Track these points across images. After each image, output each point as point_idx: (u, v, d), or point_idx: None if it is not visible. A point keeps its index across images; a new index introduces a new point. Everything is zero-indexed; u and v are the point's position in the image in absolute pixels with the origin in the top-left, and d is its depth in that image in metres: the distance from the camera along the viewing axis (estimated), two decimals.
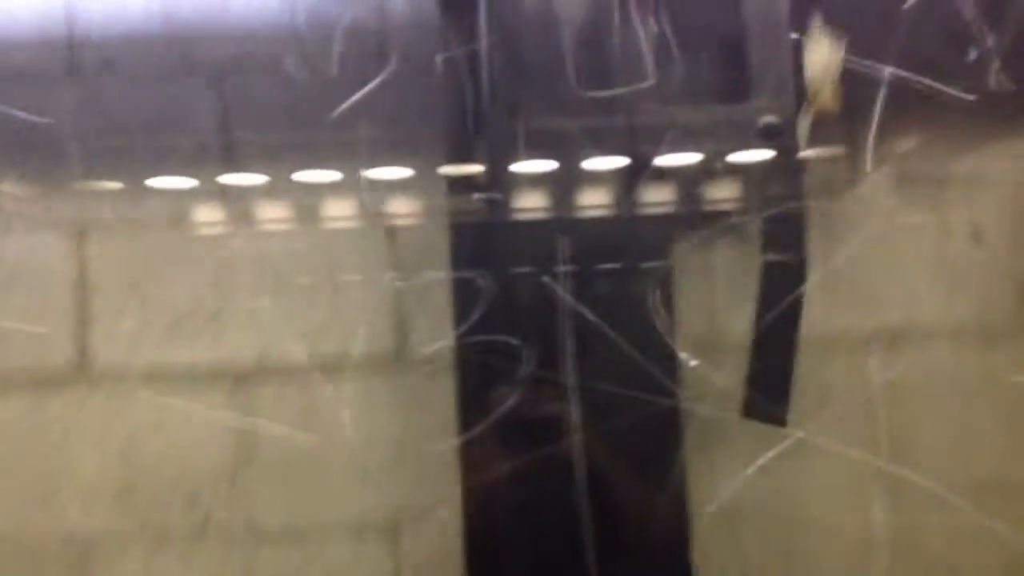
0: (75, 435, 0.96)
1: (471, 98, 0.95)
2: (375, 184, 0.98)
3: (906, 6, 0.92)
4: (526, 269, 0.94)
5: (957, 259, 1.00)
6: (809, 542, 0.98)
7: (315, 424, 0.95)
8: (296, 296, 0.98)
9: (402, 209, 0.99)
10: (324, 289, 0.98)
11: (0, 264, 0.97)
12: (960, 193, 1.01)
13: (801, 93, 0.94)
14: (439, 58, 0.94)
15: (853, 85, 0.92)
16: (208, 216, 0.99)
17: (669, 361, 0.93)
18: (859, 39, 0.92)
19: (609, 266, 0.94)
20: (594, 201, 0.96)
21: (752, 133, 0.95)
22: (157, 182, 0.97)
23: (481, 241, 0.96)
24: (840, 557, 0.98)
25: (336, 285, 0.98)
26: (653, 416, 0.92)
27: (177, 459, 0.96)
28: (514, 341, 0.92)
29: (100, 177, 0.98)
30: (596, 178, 0.96)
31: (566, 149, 0.95)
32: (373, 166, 0.97)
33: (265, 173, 0.98)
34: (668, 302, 0.94)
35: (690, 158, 0.97)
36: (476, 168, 0.97)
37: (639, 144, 0.95)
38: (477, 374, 0.94)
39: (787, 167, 0.96)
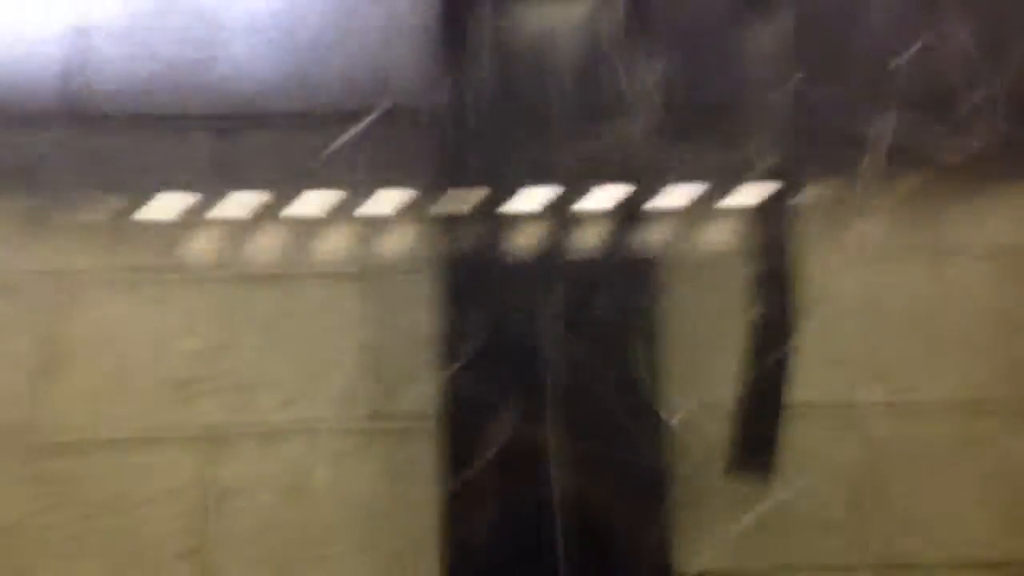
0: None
1: (461, 141, 0.92)
2: (360, 228, 0.96)
3: (894, 65, 0.89)
4: (512, 318, 0.91)
5: (945, 323, 0.98)
6: None
7: (290, 483, 0.93)
8: (275, 342, 0.96)
9: (387, 252, 0.97)
10: (302, 335, 0.96)
11: None
12: (949, 252, 0.98)
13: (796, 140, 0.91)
14: (430, 100, 0.92)
15: (841, 143, 0.89)
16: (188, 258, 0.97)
17: (653, 417, 0.91)
18: (847, 98, 0.90)
19: (595, 317, 0.92)
20: (582, 243, 0.93)
21: (747, 178, 0.92)
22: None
23: (467, 291, 0.93)
24: None
25: (315, 332, 0.96)
26: (636, 474, 0.90)
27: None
28: (497, 395, 0.90)
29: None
30: (586, 219, 0.93)
31: (558, 186, 0.93)
32: (360, 207, 0.95)
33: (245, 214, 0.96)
34: (654, 356, 0.92)
35: (682, 200, 0.95)
36: (465, 211, 0.94)
37: (632, 184, 0.93)
38: (460, 428, 0.92)
39: (779, 216, 0.93)
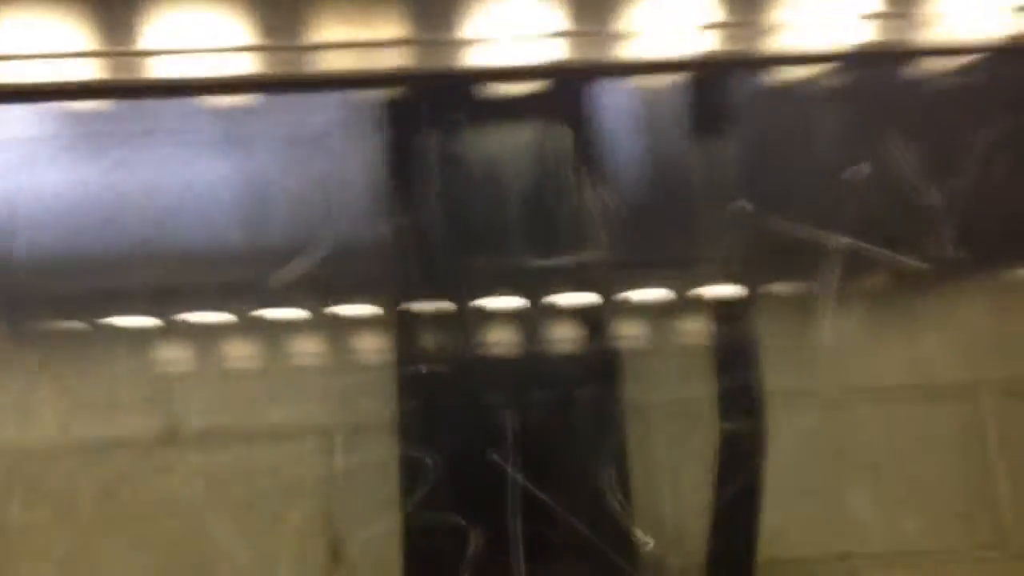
0: None
1: (417, 266, 0.93)
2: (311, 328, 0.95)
3: (845, 175, 0.92)
4: (472, 441, 0.90)
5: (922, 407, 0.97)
6: None
7: None
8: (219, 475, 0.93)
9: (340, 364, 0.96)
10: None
11: None
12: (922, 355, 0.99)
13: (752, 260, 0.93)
14: (385, 225, 0.92)
15: (805, 255, 0.91)
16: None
17: (625, 541, 0.89)
18: (810, 208, 0.92)
19: (560, 438, 0.91)
20: (545, 372, 0.93)
21: (702, 302, 0.93)
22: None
23: (426, 419, 0.92)
24: None
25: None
26: None
27: None
28: (461, 522, 0.87)
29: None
30: (545, 341, 0.93)
31: (513, 305, 0.93)
32: (312, 335, 0.95)
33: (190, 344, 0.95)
34: (622, 479, 0.90)
35: (643, 320, 0.95)
36: (422, 315, 0.94)
37: (588, 313, 0.93)
38: (423, 558, 0.89)
39: (741, 335, 0.93)
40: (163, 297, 0.96)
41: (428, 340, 0.95)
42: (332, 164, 0.96)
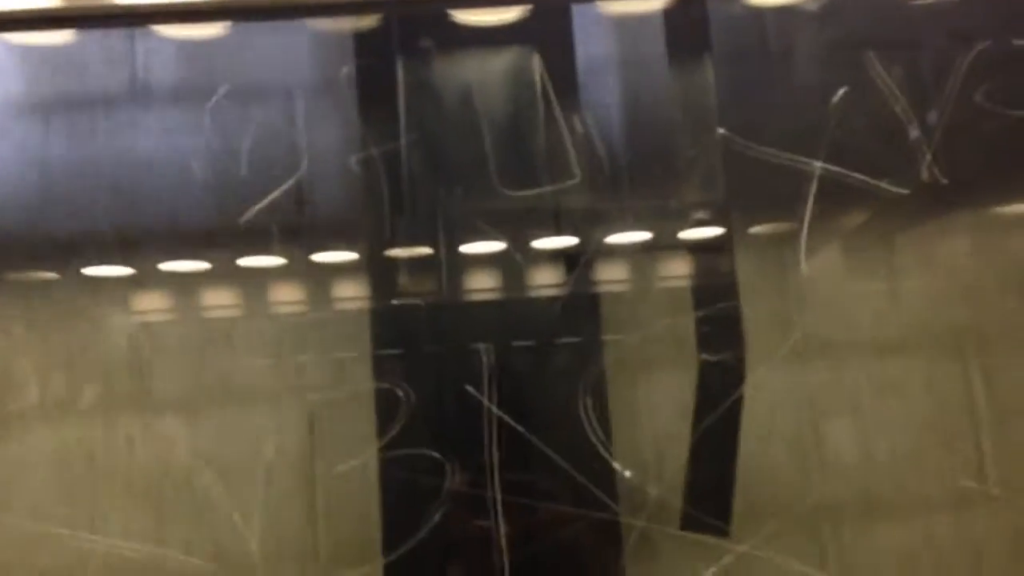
0: None
1: (390, 197, 0.91)
2: (287, 274, 0.93)
3: (835, 100, 0.90)
4: (448, 375, 0.89)
5: (898, 348, 0.97)
6: None
7: (221, 552, 0.88)
8: (202, 407, 0.92)
9: (317, 306, 0.94)
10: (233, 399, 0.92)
11: None
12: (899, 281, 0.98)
13: (731, 188, 0.91)
14: (355, 159, 0.91)
15: (785, 179, 0.89)
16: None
17: (604, 472, 0.88)
18: (789, 134, 0.90)
19: (537, 370, 0.90)
20: (519, 296, 0.92)
21: (683, 229, 0.92)
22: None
23: (401, 340, 0.91)
24: None
25: (246, 394, 0.92)
26: (587, 531, 0.86)
27: None
28: (437, 455, 0.86)
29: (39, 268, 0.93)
30: (521, 273, 0.92)
31: (489, 248, 0.91)
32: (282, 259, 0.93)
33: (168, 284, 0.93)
34: (601, 408, 0.89)
35: (623, 254, 0.94)
36: (398, 259, 0.92)
37: (567, 241, 0.92)
38: (400, 491, 0.88)
39: (721, 263, 0.92)
40: (133, 242, 0.94)
41: (403, 276, 0.93)
42: (301, 97, 0.94)
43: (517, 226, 0.91)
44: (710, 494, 0.88)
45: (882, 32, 0.92)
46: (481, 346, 0.88)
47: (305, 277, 0.94)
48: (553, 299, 0.93)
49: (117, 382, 0.92)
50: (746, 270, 0.93)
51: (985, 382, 0.96)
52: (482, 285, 0.93)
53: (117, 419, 0.92)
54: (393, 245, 0.93)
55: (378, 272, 0.94)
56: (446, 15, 0.92)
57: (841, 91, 0.90)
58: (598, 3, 0.95)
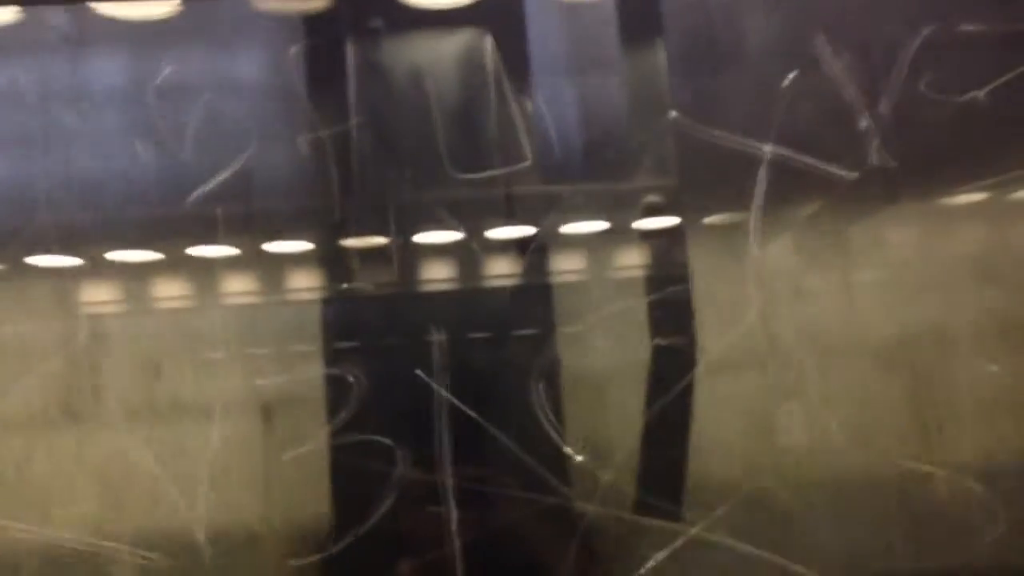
0: None
1: (339, 179, 0.90)
2: (238, 264, 0.92)
3: (785, 84, 0.90)
4: (399, 360, 0.88)
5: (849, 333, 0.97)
6: None
7: (168, 543, 0.86)
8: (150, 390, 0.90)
9: (267, 294, 0.93)
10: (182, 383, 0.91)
11: None
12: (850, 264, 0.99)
13: (683, 172, 0.91)
14: (303, 139, 0.89)
15: (736, 162, 0.89)
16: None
17: (555, 456, 0.87)
18: (740, 117, 0.90)
19: (489, 356, 0.89)
20: (472, 282, 0.91)
21: (635, 213, 0.92)
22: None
23: (353, 324, 0.90)
24: None
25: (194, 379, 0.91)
26: (539, 516, 0.86)
27: None
28: (388, 441, 0.85)
29: None
30: (473, 259, 0.91)
31: (440, 230, 0.90)
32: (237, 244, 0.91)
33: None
34: (553, 392, 0.89)
35: (574, 239, 0.93)
36: (347, 247, 0.91)
37: (519, 224, 0.91)
38: (349, 477, 0.87)
39: (673, 247, 0.92)
40: (78, 228, 0.92)
41: (354, 264, 0.92)
42: (250, 77, 0.93)
43: (470, 213, 0.91)
44: (662, 478, 0.88)
45: (832, 16, 0.93)
46: (433, 332, 0.87)
47: (256, 266, 0.93)
48: (506, 288, 0.92)
49: (64, 373, 0.90)
50: (698, 255, 0.93)
51: (931, 370, 0.97)
52: (435, 273, 0.92)
53: (63, 411, 0.90)
54: (343, 230, 0.91)
55: (329, 261, 0.93)
56: None
57: (791, 75, 0.90)
58: None
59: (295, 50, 0.90)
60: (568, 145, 0.92)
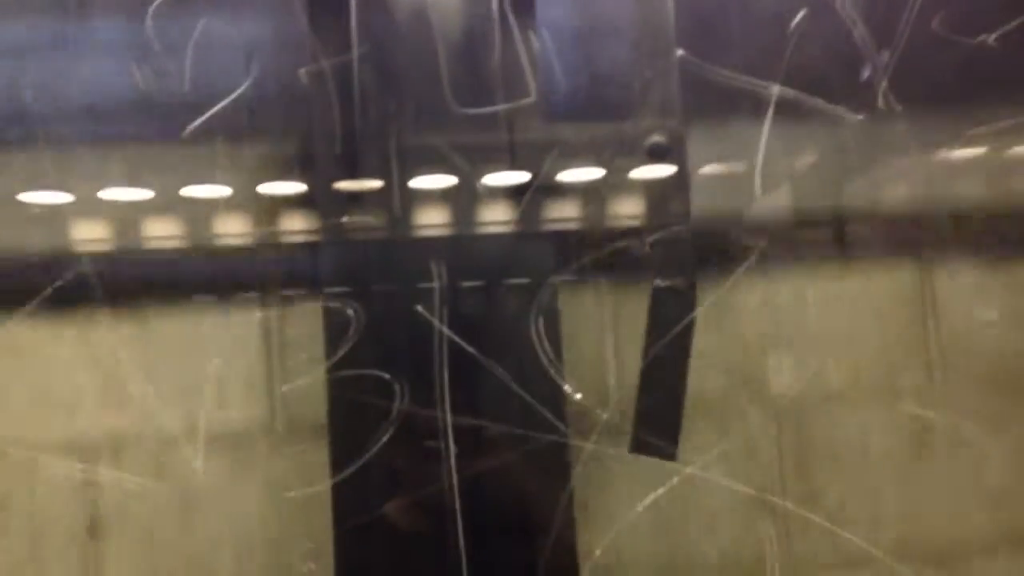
0: None
1: (340, 113, 0.88)
2: (236, 204, 0.91)
3: (793, 24, 0.89)
4: (400, 297, 0.87)
5: (851, 279, 0.97)
6: None
7: (169, 474, 0.86)
8: (147, 327, 0.89)
9: (266, 230, 0.92)
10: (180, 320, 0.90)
11: None
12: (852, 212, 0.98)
13: (688, 111, 0.90)
14: (304, 71, 0.87)
15: (741, 103, 0.88)
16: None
17: (554, 394, 0.88)
18: (747, 58, 0.89)
19: (489, 293, 0.89)
20: (473, 222, 0.90)
21: (639, 152, 0.91)
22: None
23: (352, 265, 0.89)
24: None
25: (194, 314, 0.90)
26: (536, 453, 0.86)
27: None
28: (386, 375, 0.85)
29: None
30: (475, 198, 0.90)
31: (443, 167, 0.89)
32: (234, 184, 0.90)
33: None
34: (552, 331, 0.89)
35: (574, 178, 0.92)
36: (347, 187, 0.90)
37: (521, 163, 0.90)
38: (348, 411, 0.87)
39: (675, 188, 0.92)
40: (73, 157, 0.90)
41: (350, 197, 0.91)
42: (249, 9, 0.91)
43: (472, 153, 0.89)
44: (660, 417, 0.89)
45: None
46: (433, 267, 0.86)
47: (251, 206, 0.92)
48: (507, 231, 0.91)
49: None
50: (701, 195, 0.92)
51: (932, 315, 0.97)
52: (436, 215, 0.91)
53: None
54: (343, 167, 0.90)
55: (327, 199, 0.91)
56: None
57: (800, 14, 0.89)
58: None
59: None
60: (573, 82, 0.91)
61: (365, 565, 0.86)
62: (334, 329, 0.87)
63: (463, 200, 0.91)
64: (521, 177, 0.91)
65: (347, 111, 0.88)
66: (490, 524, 0.85)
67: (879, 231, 0.99)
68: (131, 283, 0.89)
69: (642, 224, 0.93)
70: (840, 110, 0.89)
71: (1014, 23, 0.91)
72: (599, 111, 0.93)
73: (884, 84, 0.91)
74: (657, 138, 0.91)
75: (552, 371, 0.88)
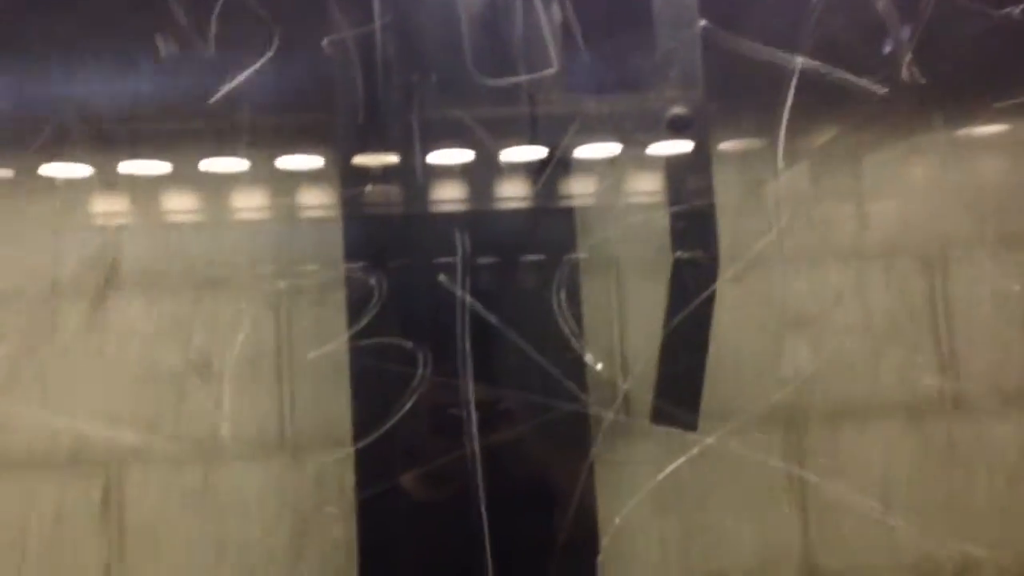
0: None
1: (363, 85, 0.88)
2: (258, 176, 0.91)
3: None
4: (423, 267, 0.88)
5: (870, 255, 0.97)
6: (719, 550, 0.94)
7: (193, 437, 0.87)
8: (174, 297, 0.90)
9: (288, 203, 0.92)
10: (205, 289, 0.91)
11: None
12: (874, 188, 0.98)
13: (710, 84, 0.90)
14: (327, 41, 0.88)
15: (764, 75, 0.88)
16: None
17: (574, 364, 0.88)
18: (770, 29, 0.89)
19: (511, 264, 0.89)
20: (495, 195, 0.90)
21: (660, 125, 0.90)
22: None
23: (374, 238, 0.90)
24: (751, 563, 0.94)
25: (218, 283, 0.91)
26: (557, 422, 0.87)
27: None
28: (409, 344, 0.86)
29: None
30: (498, 171, 0.91)
31: (465, 140, 0.89)
32: (255, 156, 0.91)
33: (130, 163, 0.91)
34: (574, 302, 0.89)
35: (596, 150, 0.92)
36: (369, 160, 0.90)
37: (543, 135, 0.90)
38: (371, 379, 0.87)
39: (697, 161, 0.91)
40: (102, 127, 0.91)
41: (374, 160, 0.91)
42: None
43: (493, 125, 0.89)
44: (680, 388, 0.89)
45: None
46: (456, 234, 0.87)
47: (273, 179, 0.92)
48: (529, 204, 0.92)
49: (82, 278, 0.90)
50: (722, 169, 0.92)
51: (948, 292, 0.97)
52: (459, 188, 0.91)
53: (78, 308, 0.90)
54: (366, 139, 0.90)
55: (350, 172, 0.92)
56: None
57: None
58: None
59: None
60: (594, 53, 0.91)
61: (388, 530, 0.87)
62: (356, 300, 0.88)
63: (485, 172, 0.91)
64: (541, 151, 0.91)
65: (370, 82, 0.89)
66: (511, 491, 0.86)
67: (901, 205, 0.99)
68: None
69: (663, 198, 0.93)
70: (864, 82, 0.89)
71: None
72: (620, 83, 0.92)
73: (908, 56, 0.90)
74: (679, 110, 0.91)
75: (574, 341, 0.88)
